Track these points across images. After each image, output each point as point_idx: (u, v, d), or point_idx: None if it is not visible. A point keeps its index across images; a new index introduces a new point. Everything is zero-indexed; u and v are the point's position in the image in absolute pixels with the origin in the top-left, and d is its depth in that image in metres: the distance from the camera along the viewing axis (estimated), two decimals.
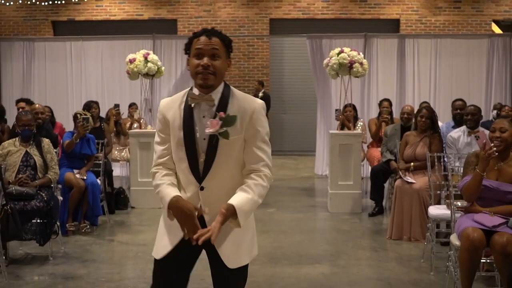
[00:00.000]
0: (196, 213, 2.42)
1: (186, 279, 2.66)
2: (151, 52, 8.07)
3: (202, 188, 2.51)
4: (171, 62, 10.88)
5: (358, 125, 8.44)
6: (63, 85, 11.25)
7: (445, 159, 5.75)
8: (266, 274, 4.93)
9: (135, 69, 7.80)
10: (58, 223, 5.59)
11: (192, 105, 2.50)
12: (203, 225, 2.45)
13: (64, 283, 4.70)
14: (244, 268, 2.62)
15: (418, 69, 10.79)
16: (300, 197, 8.60)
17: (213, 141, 2.47)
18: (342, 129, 8.22)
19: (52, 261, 5.29)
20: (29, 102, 7.62)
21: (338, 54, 7.43)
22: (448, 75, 10.81)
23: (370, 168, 8.03)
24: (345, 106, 8.22)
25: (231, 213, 2.39)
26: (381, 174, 7.21)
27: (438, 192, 5.35)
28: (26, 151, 5.42)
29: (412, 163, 6.23)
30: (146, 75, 7.91)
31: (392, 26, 13.74)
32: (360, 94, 10.50)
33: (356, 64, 7.37)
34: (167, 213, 2.48)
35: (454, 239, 4.10)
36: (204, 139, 2.49)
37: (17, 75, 11.38)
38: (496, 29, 13.85)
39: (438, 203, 5.58)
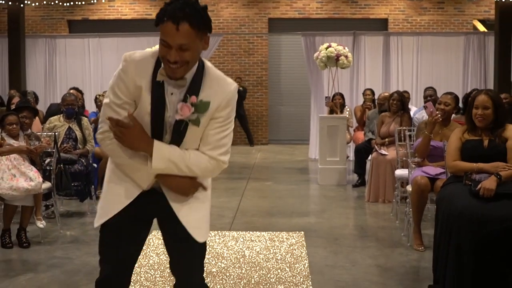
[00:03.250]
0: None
1: (139, 248, 2.50)
2: None
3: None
4: None
5: (345, 111, 9.64)
6: (82, 77, 12.48)
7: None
8: (264, 223, 6.14)
9: None
10: (93, 187, 6.79)
11: (160, 79, 2.26)
12: (164, 199, 2.35)
13: None
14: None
15: (402, 64, 12.02)
16: (294, 174, 9.81)
17: (181, 126, 2.27)
18: (331, 114, 9.41)
19: (89, 215, 6.50)
20: (79, 90, 8.88)
21: (327, 48, 8.65)
22: (429, 69, 12.04)
23: None
24: (334, 95, 9.43)
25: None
26: (363, 151, 8.39)
27: (405, 159, 6.54)
28: (69, 126, 6.63)
29: (387, 139, 7.44)
30: None
31: (380, 25, 14.91)
32: (349, 85, 11.73)
33: (342, 57, 8.58)
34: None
35: (408, 187, 5.32)
36: (170, 116, 2.28)
37: (40, 68, 12.61)
38: (482, 28, 14.98)
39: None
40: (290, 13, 15.12)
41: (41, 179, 5.26)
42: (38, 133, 6.00)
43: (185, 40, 2.14)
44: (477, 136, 4.13)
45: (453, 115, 6.08)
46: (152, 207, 2.39)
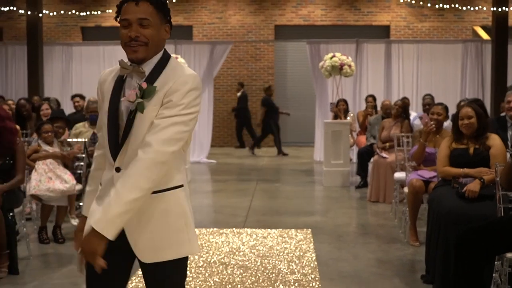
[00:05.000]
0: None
1: (124, 280, 2.39)
2: (179, 56, 9.87)
3: (117, 170, 2.21)
4: (190, 64, 12.59)
5: (349, 116, 10.22)
6: (96, 83, 13.05)
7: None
8: (274, 221, 6.72)
9: None
10: None
11: (124, 76, 2.26)
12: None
13: None
14: (174, 264, 2.29)
15: (403, 70, 12.60)
16: (300, 176, 10.40)
17: (130, 115, 2.20)
18: (335, 119, 9.97)
19: None
20: (82, 97, 9.43)
21: (331, 58, 9.23)
22: (428, 75, 12.62)
23: None
24: (339, 101, 10.01)
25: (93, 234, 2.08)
26: (365, 155, 8.96)
27: (403, 162, 7.11)
28: (93, 132, 7.20)
29: (387, 143, 8.01)
30: None
31: (383, 32, 15.50)
32: (352, 91, 12.32)
33: (345, 66, 9.18)
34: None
35: (405, 189, 5.90)
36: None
37: (57, 75, 13.23)
38: (483, 34, 15.53)
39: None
40: (295, 20, 15.70)
41: (75, 181, 5.85)
42: (69, 140, 6.60)
43: (144, 14, 2.18)
44: (464, 145, 4.71)
45: (447, 123, 6.66)
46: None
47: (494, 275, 3.84)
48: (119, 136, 2.22)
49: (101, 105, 2.34)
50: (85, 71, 13.15)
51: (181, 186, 2.30)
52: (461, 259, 3.89)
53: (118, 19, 2.26)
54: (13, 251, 4.80)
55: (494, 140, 4.65)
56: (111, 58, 12.98)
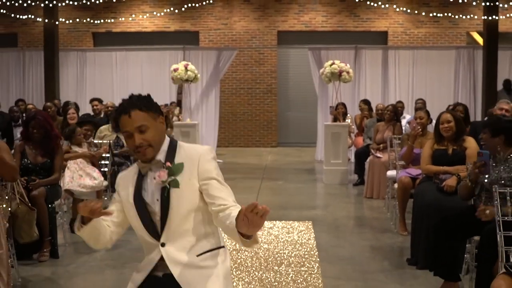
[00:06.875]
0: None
1: None
2: (189, 63, 10.64)
3: (163, 245, 2.49)
4: (197, 68, 13.23)
5: (347, 119, 10.97)
6: (110, 87, 13.88)
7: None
8: (278, 214, 7.45)
9: (178, 76, 10.37)
10: None
11: (144, 172, 2.55)
12: (173, 280, 2.46)
13: None
14: None
15: (399, 75, 13.37)
16: (302, 174, 11.14)
17: (164, 193, 2.46)
18: (334, 121, 10.71)
19: None
20: (100, 101, 10.19)
21: (331, 65, 9.98)
22: (423, 80, 13.38)
23: None
24: (338, 105, 10.76)
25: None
26: (362, 155, 9.69)
27: (395, 162, 7.86)
28: (117, 135, 7.94)
29: (381, 145, 8.74)
30: (186, 80, 10.48)
31: (381, 37, 16.20)
32: (351, 96, 13.06)
33: (344, 73, 9.93)
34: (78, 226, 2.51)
35: (395, 185, 6.64)
36: (158, 200, 2.50)
37: (72, 79, 14.01)
38: (479, 39, 16.22)
39: None
40: (297, 26, 16.41)
41: (102, 178, 6.59)
42: (95, 142, 7.34)
43: (139, 122, 2.45)
44: (444, 146, 5.46)
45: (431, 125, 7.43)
46: None
47: (465, 255, 4.58)
48: (153, 219, 2.52)
49: (116, 199, 2.65)
50: (98, 76, 13.94)
51: (222, 246, 2.64)
52: (439, 244, 4.63)
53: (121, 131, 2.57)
54: (54, 238, 5.55)
55: (470, 142, 5.40)
56: (122, 63, 13.78)
